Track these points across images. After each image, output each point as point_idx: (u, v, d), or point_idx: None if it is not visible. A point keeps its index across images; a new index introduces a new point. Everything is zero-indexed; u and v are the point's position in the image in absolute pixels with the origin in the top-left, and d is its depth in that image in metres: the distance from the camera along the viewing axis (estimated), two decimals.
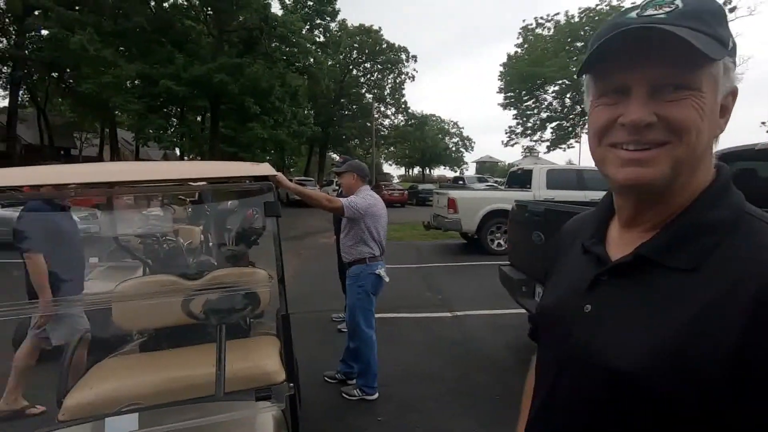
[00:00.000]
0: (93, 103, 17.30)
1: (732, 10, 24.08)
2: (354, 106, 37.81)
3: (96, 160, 29.58)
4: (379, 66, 36.74)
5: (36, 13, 18.44)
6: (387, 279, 3.07)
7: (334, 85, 31.20)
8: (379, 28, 36.16)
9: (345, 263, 3.13)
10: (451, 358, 3.88)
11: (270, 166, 1.64)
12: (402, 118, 40.01)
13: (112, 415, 1.57)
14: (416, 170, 59.29)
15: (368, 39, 35.27)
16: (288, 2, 20.57)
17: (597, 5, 27.16)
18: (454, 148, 51.54)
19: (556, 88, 29.61)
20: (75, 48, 12.91)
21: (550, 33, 30.61)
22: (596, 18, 26.74)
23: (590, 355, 0.56)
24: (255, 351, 2.43)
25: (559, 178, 8.99)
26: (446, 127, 48.94)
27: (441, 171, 58.99)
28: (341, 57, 32.63)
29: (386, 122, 40.09)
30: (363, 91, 38.54)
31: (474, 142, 55.52)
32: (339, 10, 22.42)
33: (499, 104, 32.11)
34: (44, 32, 19.36)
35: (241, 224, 2.95)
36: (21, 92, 21.05)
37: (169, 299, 2.45)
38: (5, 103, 23.89)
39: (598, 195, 8.16)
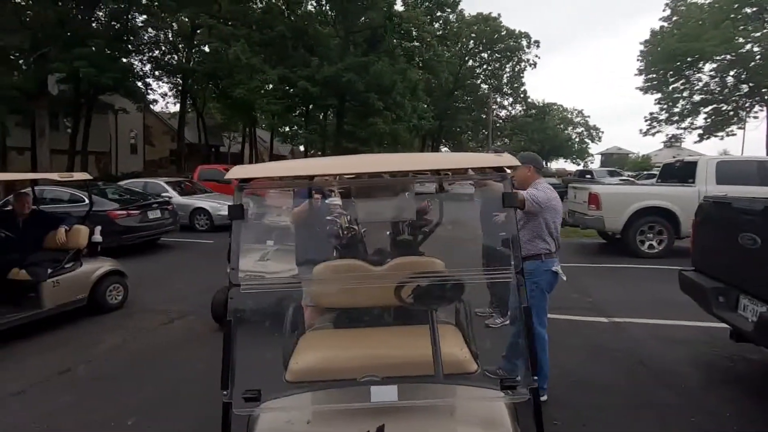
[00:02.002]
0: (241, 106, 19.86)
1: None
2: (468, 98, 36.99)
3: (239, 156, 33.99)
4: (497, 55, 35.27)
5: (198, 31, 21.78)
6: (564, 277, 2.91)
7: (452, 77, 30.89)
8: (498, 14, 34.70)
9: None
10: (620, 369, 3.54)
11: (512, 157, 1.63)
12: (520, 108, 37.98)
13: (350, 384, 1.74)
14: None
15: (486, 27, 34.07)
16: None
17: None
18: (577, 139, 47.30)
19: (715, 65, 25.07)
20: (231, 58, 14.95)
21: (707, 1, 25.99)
22: None
23: None
24: (442, 339, 2.50)
25: (732, 171, 7.59)
26: (569, 116, 45.08)
27: (560, 164, 54.60)
28: (457, 48, 32.06)
29: (502, 113, 38.46)
30: (478, 81, 37.47)
31: (602, 132, 50.09)
32: (459, 1, 22.04)
33: (637, 88, 28.44)
34: (205, 48, 22.85)
35: (415, 214, 3.05)
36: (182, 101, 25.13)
37: (370, 284, 2.66)
38: (175, 108, 28.78)
39: None
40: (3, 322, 4.03)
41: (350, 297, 2.66)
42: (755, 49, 23.82)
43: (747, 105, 26.73)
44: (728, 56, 23.81)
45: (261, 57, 15.95)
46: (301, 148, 51.86)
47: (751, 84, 25.25)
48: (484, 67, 36.69)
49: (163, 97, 25.70)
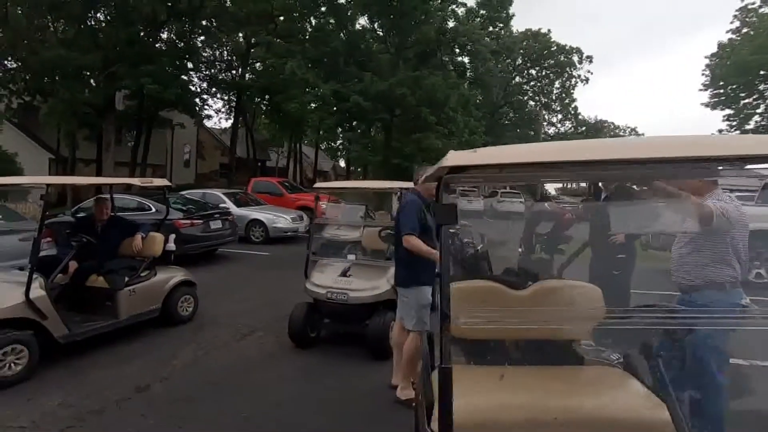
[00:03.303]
0: (291, 121, 20.18)
1: None
2: (514, 115, 36.15)
3: (285, 170, 34.68)
4: (546, 71, 34.36)
5: (252, 50, 22.51)
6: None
7: (501, 92, 30.29)
8: (548, 30, 33.90)
9: (683, 285, 2.47)
10: None
11: None
12: (570, 125, 36.67)
13: None
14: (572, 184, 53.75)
15: (535, 44, 33.35)
16: (461, 14, 20.66)
17: None
18: None
19: None
20: (287, 73, 15.20)
21: None
22: None
23: None
24: (616, 389, 1.98)
25: None
26: (621, 134, 43.11)
27: None
28: (506, 63, 31.51)
29: (551, 130, 37.25)
30: (525, 98, 36.61)
31: None
32: (513, 15, 21.64)
33: (702, 104, 26.67)
34: (257, 65, 23.57)
35: (552, 230, 2.58)
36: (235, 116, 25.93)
37: (513, 313, 2.19)
38: (226, 124, 29.81)
39: None
40: (81, 331, 3.85)
41: (492, 327, 2.21)
42: None
43: None
44: None
45: (315, 72, 16.10)
46: (342, 163, 52.63)
47: None
48: (533, 83, 35.81)
49: (216, 113, 26.57)
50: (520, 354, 2.26)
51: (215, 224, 8.75)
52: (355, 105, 16.17)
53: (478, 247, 2.85)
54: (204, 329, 4.78)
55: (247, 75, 23.44)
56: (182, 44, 19.86)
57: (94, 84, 18.40)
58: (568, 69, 33.89)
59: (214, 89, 24.53)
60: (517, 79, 35.54)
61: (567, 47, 33.23)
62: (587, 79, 34.11)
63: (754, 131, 24.93)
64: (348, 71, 17.79)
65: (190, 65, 21.35)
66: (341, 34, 19.59)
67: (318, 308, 4.35)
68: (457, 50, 18.02)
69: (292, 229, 11.40)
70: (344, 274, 4.26)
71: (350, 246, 5.41)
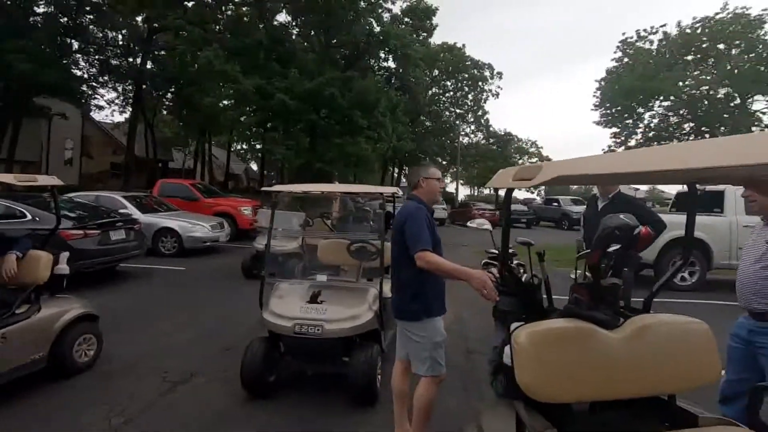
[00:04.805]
0: (203, 118, 18.09)
1: None
2: (431, 124, 37.29)
3: (192, 172, 31.43)
4: (460, 84, 36.03)
5: (155, 36, 19.89)
6: None
7: (425, 101, 30.89)
8: (463, 45, 35.64)
9: (757, 310, 2.14)
10: None
11: None
12: (482, 136, 38.89)
13: None
14: (486, 191, 57.49)
15: (451, 57, 34.78)
16: (386, 19, 20.47)
17: (717, 14, 24.59)
18: None
19: (666, 103, 27.05)
20: (201, 64, 13.46)
21: (654, 46, 28.27)
22: (718, 27, 24.19)
23: None
24: None
25: None
26: (524, 146, 47.00)
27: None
28: (426, 73, 32.34)
29: (465, 140, 39.11)
30: (441, 108, 37.99)
31: None
32: (437, 26, 22.08)
33: (594, 122, 30.02)
34: (161, 53, 20.89)
35: (626, 247, 2.08)
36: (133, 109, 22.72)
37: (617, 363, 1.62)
38: (121, 118, 26.07)
39: None
40: None
41: (599, 383, 1.62)
42: (697, 91, 26.01)
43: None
44: (682, 95, 25.74)
45: (234, 65, 14.54)
46: (254, 166, 49.71)
47: (692, 125, 27.48)
48: (449, 95, 37.30)
49: (109, 104, 22.98)
50: (616, 416, 1.71)
51: (117, 234, 7.11)
52: (279, 103, 14.93)
53: (534, 272, 2.26)
54: (115, 380, 3.55)
55: (148, 63, 20.70)
56: (66, 20, 16.76)
57: None
58: (480, 83, 35.92)
59: (106, 77, 21.24)
60: (434, 89, 36.73)
61: (480, 62, 35.23)
62: (498, 94, 36.52)
63: (636, 147, 28.64)
64: (271, 67, 16.45)
65: (75, 46, 18.15)
66: (260, 27, 18.15)
67: (279, 344, 3.45)
68: (385, 55, 17.73)
69: (211, 239, 9.94)
70: (314, 299, 3.41)
71: (310, 260, 4.54)
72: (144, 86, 19.72)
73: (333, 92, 15.17)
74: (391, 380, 2.75)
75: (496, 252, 2.56)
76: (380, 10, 18.15)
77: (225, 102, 19.12)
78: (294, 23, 18.91)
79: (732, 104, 25.28)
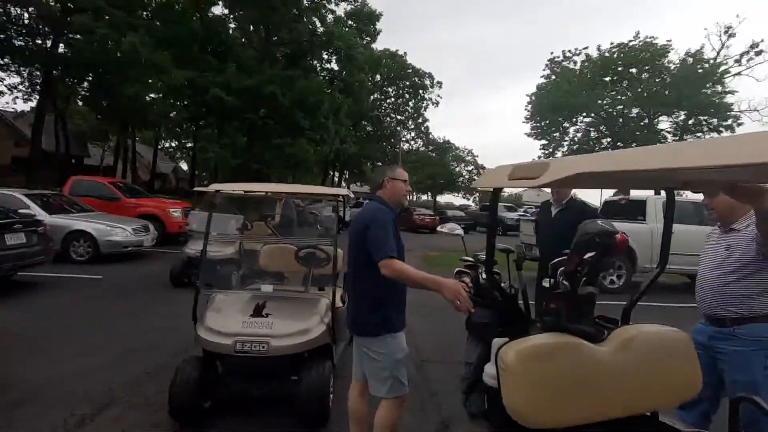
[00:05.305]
0: (127, 110, 16.40)
1: (759, 53, 24.25)
2: (371, 129, 37.42)
3: (112, 171, 28.56)
4: (402, 91, 36.58)
5: (69, 19, 17.81)
6: None
7: (368, 105, 30.84)
8: (405, 53, 36.23)
9: (722, 317, 2.17)
10: None
11: None
12: (421, 143, 39.71)
13: None
14: (424, 197, 58.72)
15: (393, 63, 35.19)
16: (329, 20, 20.15)
17: (630, 41, 27.26)
18: (468, 176, 51.36)
19: (588, 119, 29.42)
20: (126, 50, 12.13)
21: (577, 66, 30.70)
22: (631, 53, 26.79)
23: None
24: None
25: (677, 210, 8.21)
26: (461, 154, 48.77)
27: (447, 198, 58.53)
28: (369, 78, 32.45)
29: (405, 146, 39.67)
30: (383, 114, 38.29)
31: None
32: (380, 31, 22.14)
33: (526, 134, 31.86)
34: (77, 36, 18.74)
35: (601, 255, 2.00)
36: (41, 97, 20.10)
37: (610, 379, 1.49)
38: (25, 106, 23.03)
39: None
40: None
41: (591, 403, 1.48)
42: (613, 110, 28.64)
43: None
44: (601, 113, 28.14)
45: (164, 54, 13.35)
46: (184, 166, 46.60)
47: (609, 139, 30.17)
48: (390, 101, 37.69)
49: (11, 90, 20.10)
50: None
51: (14, 238, 6.10)
52: (215, 99, 13.99)
53: (512, 283, 2.11)
54: (11, 414, 2.92)
55: (61, 47, 18.44)
56: None
57: None
58: (421, 91, 36.71)
59: (7, 58, 18.61)
60: (377, 95, 36.93)
61: (420, 71, 36.03)
62: (437, 103, 37.53)
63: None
64: (206, 60, 15.42)
65: None
66: (194, 17, 16.98)
67: (217, 364, 3.04)
68: (329, 56, 17.37)
69: (134, 243, 8.98)
70: (258, 312, 3.05)
71: (250, 267, 4.13)
72: (55, 72, 17.51)
73: (274, 90, 14.52)
74: (348, 403, 2.49)
75: (472, 260, 2.39)
76: (324, 11, 17.78)
77: (153, 95, 17.61)
78: (231, 16, 17.93)
79: (642, 123, 28.09)
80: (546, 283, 2.18)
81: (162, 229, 10.72)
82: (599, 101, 28.55)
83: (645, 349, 1.63)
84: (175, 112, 15.54)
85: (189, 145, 20.35)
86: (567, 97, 27.46)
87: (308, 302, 3.27)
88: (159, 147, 29.85)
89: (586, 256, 1.93)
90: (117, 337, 4.51)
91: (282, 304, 3.18)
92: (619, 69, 28.09)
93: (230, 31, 17.86)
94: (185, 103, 15.17)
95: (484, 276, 2.22)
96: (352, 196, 3.80)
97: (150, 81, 13.73)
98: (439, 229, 3.06)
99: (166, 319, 5.08)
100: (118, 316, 5.30)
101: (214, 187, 3.35)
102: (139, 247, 9.18)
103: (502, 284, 2.05)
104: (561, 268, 2.21)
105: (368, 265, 2.16)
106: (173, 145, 26.27)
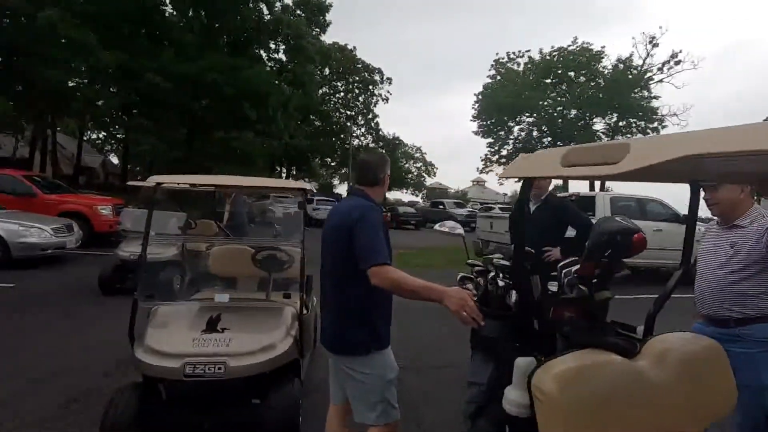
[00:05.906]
0: (47, 97, 14.48)
1: (678, 62, 26.64)
2: (319, 124, 36.60)
3: (28, 162, 25.43)
4: (351, 86, 36.06)
5: None
6: None
7: (316, 99, 29.96)
8: (354, 47, 35.72)
9: (726, 318, 2.06)
10: None
11: None
12: (371, 139, 39.40)
13: None
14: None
15: (342, 57, 34.57)
16: (277, 8, 19.19)
17: (569, 45, 28.74)
18: (416, 173, 51.83)
19: (531, 119, 30.69)
20: (42, 25, 10.56)
21: (521, 68, 31.95)
22: (570, 57, 28.24)
23: None
24: None
25: (621, 206, 8.59)
26: (410, 151, 49.13)
27: (396, 195, 58.97)
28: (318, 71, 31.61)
29: (355, 142, 39.19)
30: (332, 109, 37.56)
31: (437, 168, 56.21)
32: (330, 23, 21.50)
33: (473, 132, 32.67)
34: None
35: (616, 255, 1.80)
36: None
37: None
38: None
39: (660, 226, 7.68)
40: None
41: (637, 426, 1.25)
42: (554, 111, 30.14)
43: None
44: (543, 113, 29.45)
45: (89, 33, 11.88)
46: (114, 160, 42.93)
47: (550, 139, 31.74)
48: (339, 96, 37.03)
49: None
50: None
51: None
52: (150, 86, 12.75)
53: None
54: None
55: None
56: None
57: None
58: (371, 86, 36.39)
59: None
60: (325, 89, 36.13)
61: (370, 66, 35.69)
62: (387, 99, 37.39)
63: (508, 156, 31.96)
64: (139, 42, 14.04)
65: None
66: None
67: (161, 390, 2.54)
68: (276, 45, 16.47)
69: (54, 245, 7.86)
70: (212, 327, 2.59)
71: (197, 271, 3.60)
72: None
73: (216, 79, 13.51)
74: (325, 429, 2.13)
75: (481, 264, 2.11)
76: None
77: (78, 80, 15.77)
78: None
79: (579, 123, 29.79)
80: (553, 287, 1.96)
81: (89, 229, 9.59)
82: (541, 102, 29.94)
83: (683, 363, 1.44)
84: (102, 100, 13.96)
85: (120, 136, 18.49)
86: (511, 97, 28.48)
87: (270, 312, 2.85)
88: (85, 138, 27.03)
89: (603, 258, 1.73)
90: (29, 357, 3.78)
91: (240, 316, 2.74)
92: (559, 72, 29.57)
93: (166, 14, 16.43)
94: (115, 89, 13.68)
95: (495, 282, 1.95)
96: (315, 190, 3.40)
97: (73, 64, 12.18)
98: (437, 227, 2.77)
99: (93, 334, 4.38)
100: (32, 332, 4.50)
101: (154, 179, 2.82)
102: (62, 250, 8.08)
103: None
104: (565, 270, 2.02)
105: (353, 272, 1.81)
106: (101, 136, 23.88)
